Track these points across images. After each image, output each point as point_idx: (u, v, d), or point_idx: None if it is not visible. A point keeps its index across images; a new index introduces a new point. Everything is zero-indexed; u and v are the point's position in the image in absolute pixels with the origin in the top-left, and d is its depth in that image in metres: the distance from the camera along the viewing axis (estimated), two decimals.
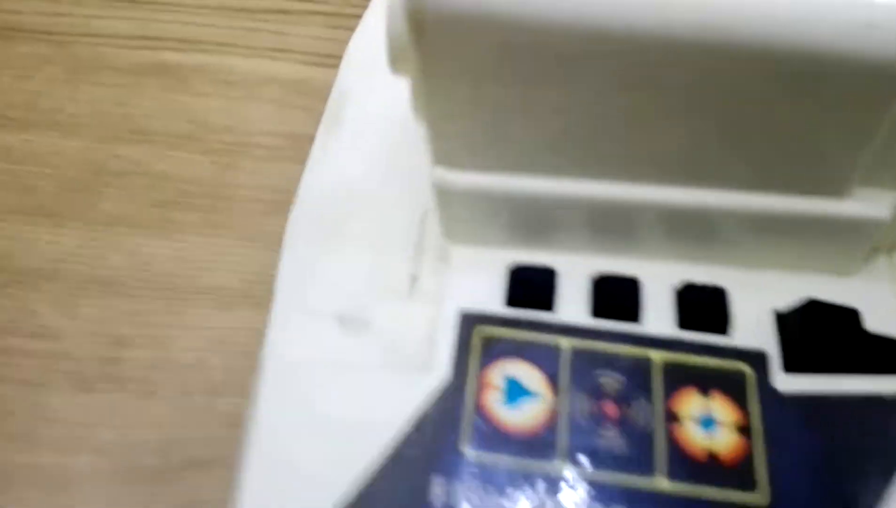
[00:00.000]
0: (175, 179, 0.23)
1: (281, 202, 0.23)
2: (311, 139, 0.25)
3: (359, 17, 0.29)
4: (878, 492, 0.14)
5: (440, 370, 0.15)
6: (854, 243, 0.16)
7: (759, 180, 0.15)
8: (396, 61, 0.17)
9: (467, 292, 0.17)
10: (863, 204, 0.15)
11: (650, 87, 0.14)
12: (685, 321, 0.16)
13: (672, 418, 0.15)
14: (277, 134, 0.25)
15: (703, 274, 0.17)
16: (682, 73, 0.13)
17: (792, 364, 0.15)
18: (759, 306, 0.16)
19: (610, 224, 0.17)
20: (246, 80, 0.26)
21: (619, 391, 0.15)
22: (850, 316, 0.15)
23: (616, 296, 0.16)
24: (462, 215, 0.17)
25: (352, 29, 0.29)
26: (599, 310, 0.16)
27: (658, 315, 0.16)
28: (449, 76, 0.14)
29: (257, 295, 0.21)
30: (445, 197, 0.16)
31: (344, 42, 0.28)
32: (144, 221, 0.22)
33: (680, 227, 0.16)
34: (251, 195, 0.23)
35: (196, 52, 0.27)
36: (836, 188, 0.15)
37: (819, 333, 0.15)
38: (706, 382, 0.15)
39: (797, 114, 0.14)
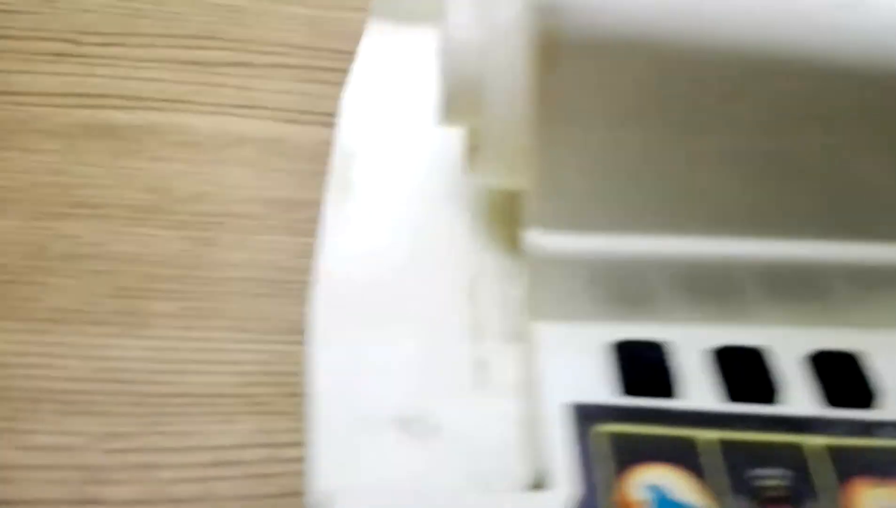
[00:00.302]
0: (140, 260, 0.19)
1: (279, 282, 0.19)
2: (300, 205, 0.21)
3: (328, 69, 0.26)
4: None
5: (561, 486, 0.12)
6: None
7: (886, 228, 0.14)
8: (455, 110, 0.14)
9: (567, 380, 0.13)
10: None
11: (811, 124, 0.12)
12: (832, 396, 0.13)
13: None
14: (259, 201, 0.21)
15: (832, 339, 0.14)
16: (849, 106, 0.11)
17: None
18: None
19: (722, 286, 0.14)
20: (211, 141, 0.23)
21: (784, 491, 0.12)
22: None
23: (746, 372, 0.14)
24: (556, 285, 0.14)
25: (322, 82, 0.26)
26: (732, 391, 0.13)
27: (798, 391, 0.14)
28: (578, 118, 0.11)
29: (264, 400, 0.17)
30: (540, 265, 0.13)
31: (316, 96, 0.25)
32: (105, 315, 0.18)
33: (798, 285, 0.14)
34: (240, 275, 0.19)
35: (145, 111, 0.23)
36: None
37: None
38: (879, 468, 0.13)
39: None
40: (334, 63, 0.26)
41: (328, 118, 0.24)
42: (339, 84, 0.25)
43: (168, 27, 0.26)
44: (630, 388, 0.13)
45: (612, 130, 0.11)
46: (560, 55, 0.10)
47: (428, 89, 0.21)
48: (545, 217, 0.13)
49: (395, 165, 0.19)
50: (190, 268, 0.19)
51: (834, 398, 0.13)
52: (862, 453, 0.13)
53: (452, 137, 0.20)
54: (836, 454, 0.13)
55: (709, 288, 0.14)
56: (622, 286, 0.14)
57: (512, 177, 0.15)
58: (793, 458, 0.13)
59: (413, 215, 0.18)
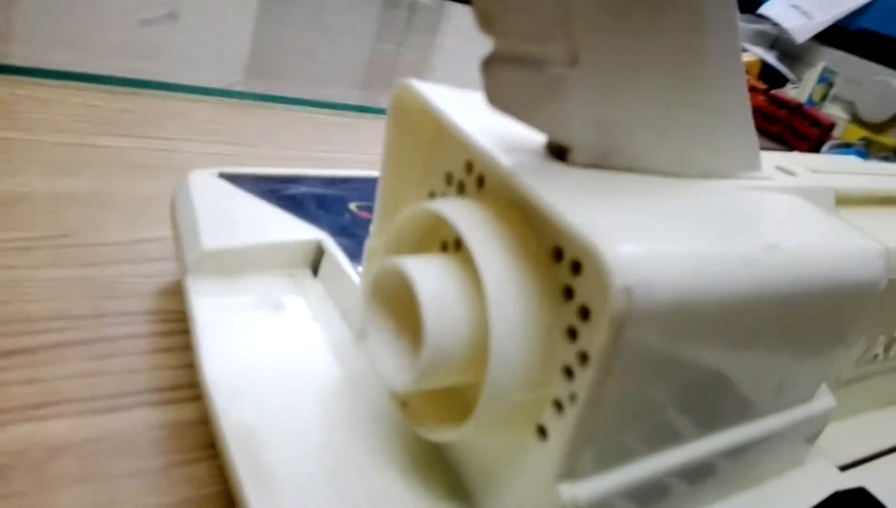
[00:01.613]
0: None
1: None
2: None
3: (123, 338, 0.23)
4: None
5: None
6: (813, 436, 0.19)
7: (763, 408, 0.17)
8: (434, 376, 0.14)
9: None
10: (824, 399, 0.18)
11: (764, 339, 0.15)
12: None
13: None
14: None
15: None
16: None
17: None
18: None
19: (699, 476, 0.16)
20: (20, 461, 0.18)
21: None
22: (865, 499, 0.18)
23: None
24: None
25: (121, 355, 0.23)
26: None
27: None
28: (634, 379, 0.13)
29: None
30: None
31: (121, 374, 0.22)
32: None
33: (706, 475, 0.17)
34: None
35: None
36: (810, 394, 0.18)
37: None
38: None
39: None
40: (128, 328, 0.23)
41: (154, 395, 0.21)
42: (143, 353, 0.23)
43: None
44: None
45: (664, 383, 0.13)
46: (627, 323, 0.12)
47: (299, 341, 0.20)
48: (575, 470, 0.13)
49: (311, 434, 0.18)
50: None
51: None
52: None
53: (354, 388, 0.19)
54: None
55: (696, 479, 0.16)
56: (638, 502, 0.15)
57: (469, 430, 0.15)
58: None
59: (349, 492, 0.17)
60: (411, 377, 0.14)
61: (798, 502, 0.18)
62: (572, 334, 0.14)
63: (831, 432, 0.20)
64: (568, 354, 0.14)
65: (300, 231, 0.24)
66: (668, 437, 0.15)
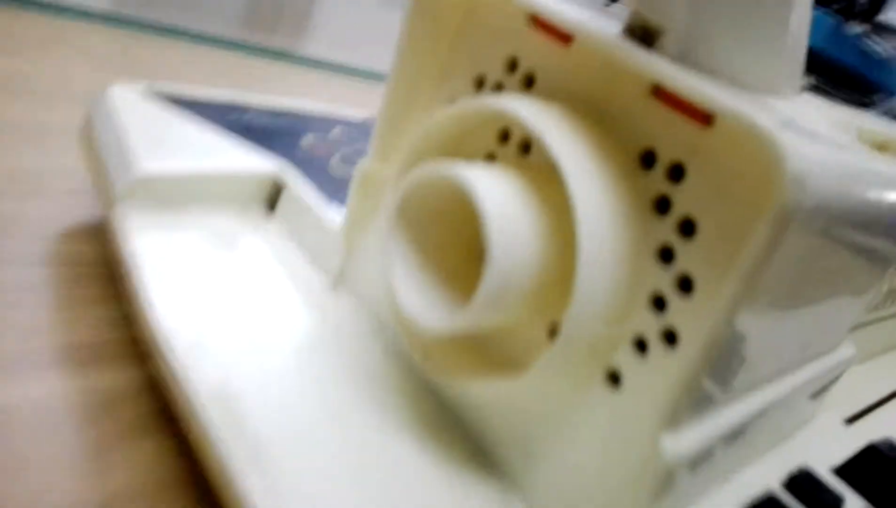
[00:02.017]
0: None
1: None
2: None
3: (25, 288, 0.18)
4: None
5: None
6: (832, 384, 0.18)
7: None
8: (501, 308, 0.12)
9: None
10: (846, 348, 0.17)
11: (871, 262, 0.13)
12: None
13: None
14: None
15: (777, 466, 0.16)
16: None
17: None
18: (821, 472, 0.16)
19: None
20: None
21: None
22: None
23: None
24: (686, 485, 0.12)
25: (23, 307, 0.18)
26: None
27: None
28: (771, 297, 0.11)
29: None
30: (674, 474, 0.11)
31: (26, 331, 0.17)
32: None
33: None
34: None
35: None
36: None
37: (890, 470, 0.16)
38: None
39: None
40: (30, 276, 0.19)
41: (70, 357, 0.17)
42: (52, 306, 0.19)
43: None
44: None
45: (785, 300, 0.11)
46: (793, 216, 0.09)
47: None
48: (674, 416, 0.11)
49: (300, 396, 0.14)
50: None
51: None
52: None
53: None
54: None
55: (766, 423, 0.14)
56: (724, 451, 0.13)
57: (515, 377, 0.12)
58: None
59: (361, 460, 0.13)
60: (467, 312, 0.12)
61: (821, 457, 0.17)
62: (666, 255, 0.11)
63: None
64: (660, 279, 0.11)
65: (253, 162, 0.20)
66: (761, 375, 0.13)
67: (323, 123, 0.25)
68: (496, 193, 0.11)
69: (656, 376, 0.11)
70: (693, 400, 0.11)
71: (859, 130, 0.19)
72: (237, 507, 0.12)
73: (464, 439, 0.15)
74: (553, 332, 0.13)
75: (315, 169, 0.21)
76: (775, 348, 0.13)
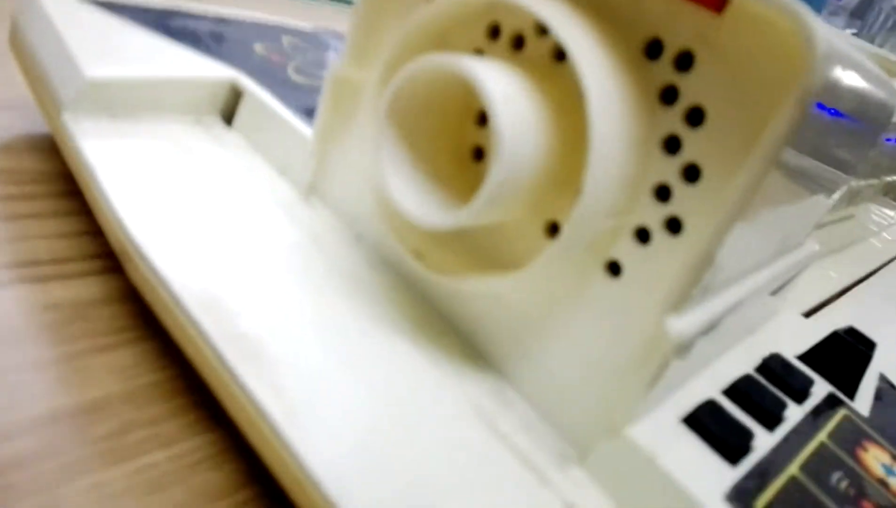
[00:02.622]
0: None
1: None
2: (97, 409, 0.13)
3: None
4: None
5: None
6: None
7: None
8: (508, 202, 0.11)
9: (698, 474, 0.12)
10: (811, 244, 0.18)
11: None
12: (794, 396, 0.16)
13: (882, 484, 0.14)
14: (33, 426, 0.12)
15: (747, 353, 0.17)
16: None
17: (849, 389, 0.17)
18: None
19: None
20: None
21: (852, 485, 0.14)
22: (857, 337, 0.18)
23: (763, 400, 0.15)
24: (673, 372, 0.12)
25: None
26: (767, 421, 0.14)
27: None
28: (782, 180, 0.11)
29: None
30: (674, 355, 0.12)
31: None
32: None
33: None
34: None
35: None
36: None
37: (851, 355, 0.17)
38: (852, 438, 0.15)
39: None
40: None
41: (29, 270, 0.16)
42: (6, 220, 0.17)
43: None
44: (732, 455, 0.13)
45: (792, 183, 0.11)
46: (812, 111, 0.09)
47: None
48: (679, 299, 0.11)
49: (287, 299, 0.14)
50: None
51: (796, 395, 0.16)
52: (841, 431, 0.15)
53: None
54: (835, 439, 0.15)
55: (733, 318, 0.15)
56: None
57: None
58: (828, 455, 0.14)
59: (357, 359, 0.13)
60: (475, 204, 0.11)
61: (787, 345, 0.18)
62: (672, 145, 0.11)
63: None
64: (665, 169, 0.12)
65: (208, 67, 0.19)
66: (746, 267, 0.13)
67: (271, 32, 0.24)
68: (503, 85, 0.11)
69: (660, 263, 0.12)
70: (696, 285, 0.11)
71: None
72: (238, 403, 0.11)
73: (455, 340, 0.15)
74: (550, 230, 0.13)
75: (273, 77, 0.20)
76: (763, 240, 0.13)
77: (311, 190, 0.17)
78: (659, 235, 0.12)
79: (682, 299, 0.11)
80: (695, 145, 0.11)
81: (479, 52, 0.14)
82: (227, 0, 0.25)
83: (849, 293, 0.23)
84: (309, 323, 0.13)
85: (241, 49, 0.21)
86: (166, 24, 0.20)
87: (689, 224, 0.11)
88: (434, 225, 0.12)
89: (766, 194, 0.11)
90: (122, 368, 0.14)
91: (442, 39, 0.13)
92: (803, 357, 0.17)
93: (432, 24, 0.13)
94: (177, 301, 0.13)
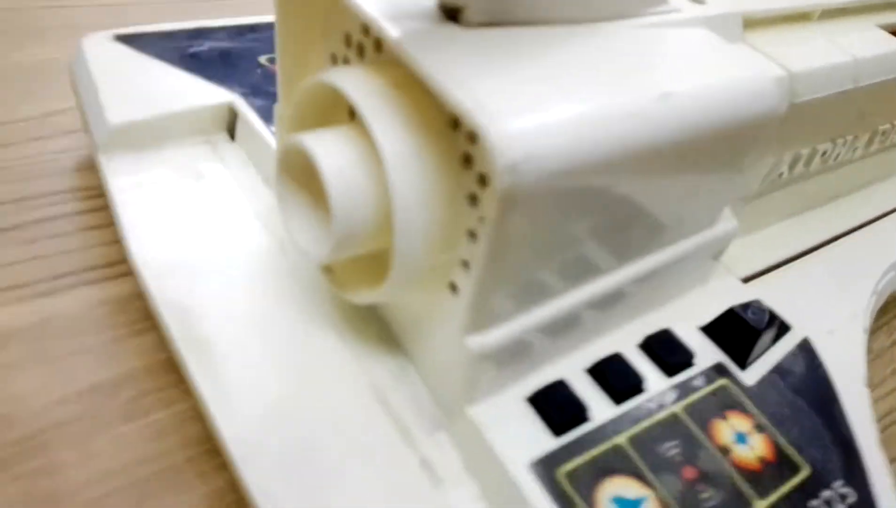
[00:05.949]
0: None
1: (145, 479, 0.17)
2: (120, 383, 0.19)
3: (50, 219, 0.23)
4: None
5: None
6: (717, 255, 0.21)
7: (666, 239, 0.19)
8: (345, 248, 0.15)
9: (516, 445, 0.16)
10: (727, 222, 0.20)
11: (659, 180, 0.16)
12: (668, 370, 0.18)
13: (724, 451, 0.17)
14: (70, 399, 0.18)
15: (649, 326, 0.19)
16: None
17: (741, 361, 0.19)
18: (688, 331, 0.19)
19: (606, 305, 0.18)
20: None
21: (682, 453, 0.16)
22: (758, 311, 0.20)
23: (619, 377, 0.17)
24: (489, 372, 0.16)
25: (50, 237, 0.23)
26: (617, 396, 0.17)
27: (652, 377, 0.18)
28: (524, 238, 0.14)
29: None
30: (478, 362, 0.15)
31: (55, 256, 0.22)
32: None
33: (614, 300, 0.18)
34: (101, 492, 0.17)
35: None
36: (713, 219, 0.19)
37: (743, 330, 0.19)
38: (716, 408, 0.18)
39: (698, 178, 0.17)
40: (53, 208, 0.23)
41: (90, 274, 0.21)
42: (73, 233, 0.23)
43: None
44: (559, 428, 0.16)
45: (550, 238, 0.14)
46: (518, 196, 0.12)
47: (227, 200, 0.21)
48: (480, 323, 0.15)
49: (245, 304, 0.19)
50: None
51: (669, 370, 0.18)
52: (705, 401, 0.18)
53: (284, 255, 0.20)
54: (692, 410, 0.17)
55: (568, 326, 0.17)
56: (523, 351, 0.16)
57: (395, 293, 0.16)
58: (674, 426, 0.17)
59: (287, 350, 0.18)
60: (325, 249, 0.15)
61: (697, 317, 0.20)
62: (473, 199, 0.14)
63: (739, 247, 0.22)
64: (471, 218, 0.14)
65: (210, 95, 0.23)
66: (570, 279, 0.16)
67: None
68: (335, 155, 0.14)
69: (465, 292, 0.15)
70: (482, 311, 0.14)
71: (745, 19, 0.19)
72: (193, 389, 0.17)
73: (378, 326, 0.19)
74: None
75: (274, 87, 0.24)
76: (570, 261, 0.16)
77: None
78: (473, 266, 0.15)
79: (476, 322, 0.14)
80: (485, 203, 0.14)
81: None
82: (246, 9, 0.29)
83: (815, 253, 0.24)
84: (254, 324, 0.18)
85: (246, 64, 0.25)
86: (182, 49, 0.24)
87: (472, 265, 0.14)
88: (319, 260, 0.16)
89: (526, 243, 0.14)
90: (147, 348, 0.20)
91: (322, 106, 0.16)
92: (705, 328, 0.19)
93: (301, 103, 0.16)
94: (156, 310, 0.18)
